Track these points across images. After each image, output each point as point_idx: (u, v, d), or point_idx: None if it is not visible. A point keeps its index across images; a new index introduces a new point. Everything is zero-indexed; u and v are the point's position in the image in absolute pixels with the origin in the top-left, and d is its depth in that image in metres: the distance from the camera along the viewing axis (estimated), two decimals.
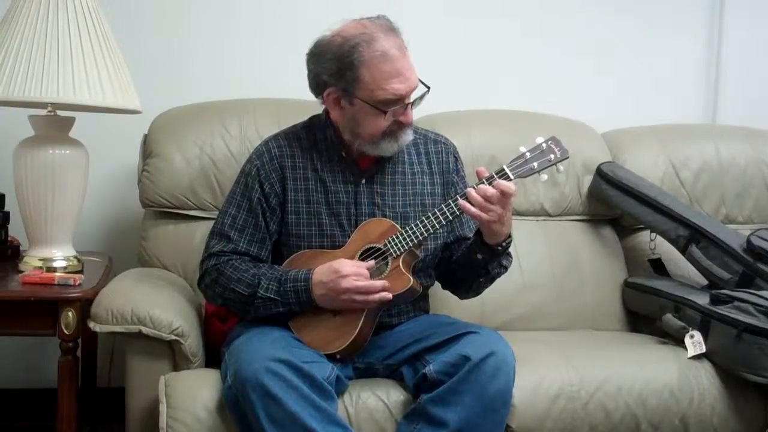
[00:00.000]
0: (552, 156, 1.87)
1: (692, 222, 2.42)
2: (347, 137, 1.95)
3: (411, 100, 1.88)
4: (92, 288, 2.02)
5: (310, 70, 1.93)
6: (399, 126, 1.90)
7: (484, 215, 1.81)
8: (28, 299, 1.98)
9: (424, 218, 1.86)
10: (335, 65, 1.86)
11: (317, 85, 1.92)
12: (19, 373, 2.68)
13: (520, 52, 2.88)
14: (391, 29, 1.87)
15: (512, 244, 1.94)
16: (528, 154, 1.87)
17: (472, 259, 1.94)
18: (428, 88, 1.90)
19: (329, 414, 1.70)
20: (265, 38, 2.72)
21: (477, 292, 2.07)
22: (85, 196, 2.23)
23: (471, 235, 1.99)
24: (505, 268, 2.02)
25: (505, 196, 1.80)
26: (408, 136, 1.93)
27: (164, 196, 2.37)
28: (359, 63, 1.83)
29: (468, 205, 1.81)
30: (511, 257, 2.02)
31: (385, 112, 1.85)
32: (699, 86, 3.04)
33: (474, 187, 1.82)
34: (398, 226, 1.89)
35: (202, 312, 2.10)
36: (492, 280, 2.02)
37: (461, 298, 2.11)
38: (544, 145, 1.88)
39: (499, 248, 1.91)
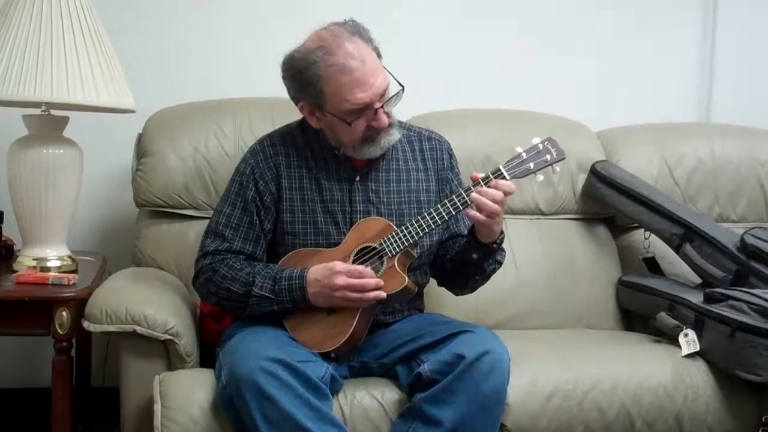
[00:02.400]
0: (548, 156, 1.86)
1: (686, 220, 2.42)
2: (332, 143, 1.95)
3: (380, 105, 1.86)
4: (86, 288, 2.02)
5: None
6: (375, 131, 1.89)
7: (488, 219, 1.81)
8: (22, 299, 1.98)
9: (419, 217, 1.86)
10: (297, 82, 1.88)
11: (291, 98, 1.94)
12: (13, 372, 2.67)
13: (515, 51, 2.88)
14: (356, 32, 1.86)
15: (507, 242, 1.94)
16: (524, 154, 1.86)
17: (467, 259, 1.94)
18: (402, 87, 1.88)
19: (324, 413, 1.70)
20: (258, 38, 2.71)
21: (473, 289, 2.07)
22: (79, 195, 2.23)
23: (466, 232, 1.99)
24: (500, 264, 2.03)
25: (506, 195, 1.81)
26: (391, 137, 1.92)
27: (158, 196, 2.36)
28: (318, 78, 1.83)
29: (478, 215, 1.81)
30: (505, 251, 2.02)
31: (350, 123, 1.85)
32: (693, 85, 3.04)
33: (476, 191, 1.81)
34: (394, 226, 1.88)
35: (196, 312, 2.09)
36: (487, 277, 2.03)
37: (457, 294, 2.11)
38: (540, 145, 1.87)
39: (494, 245, 1.92)
